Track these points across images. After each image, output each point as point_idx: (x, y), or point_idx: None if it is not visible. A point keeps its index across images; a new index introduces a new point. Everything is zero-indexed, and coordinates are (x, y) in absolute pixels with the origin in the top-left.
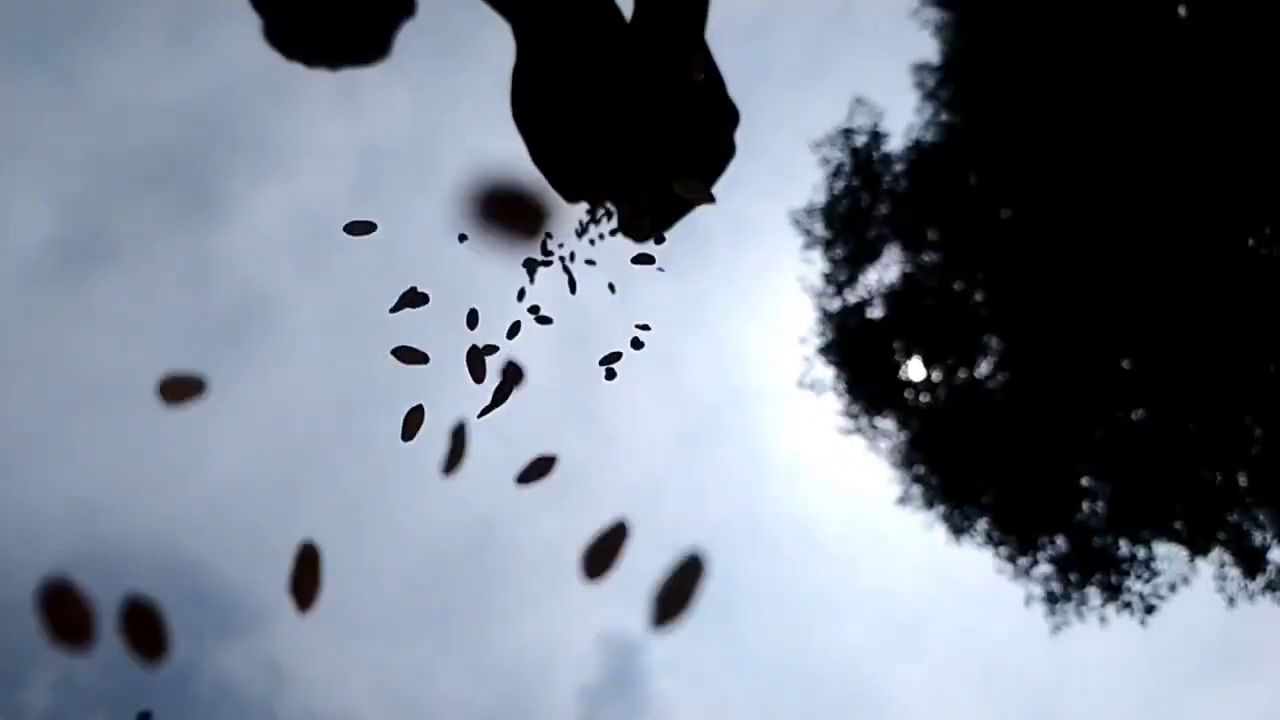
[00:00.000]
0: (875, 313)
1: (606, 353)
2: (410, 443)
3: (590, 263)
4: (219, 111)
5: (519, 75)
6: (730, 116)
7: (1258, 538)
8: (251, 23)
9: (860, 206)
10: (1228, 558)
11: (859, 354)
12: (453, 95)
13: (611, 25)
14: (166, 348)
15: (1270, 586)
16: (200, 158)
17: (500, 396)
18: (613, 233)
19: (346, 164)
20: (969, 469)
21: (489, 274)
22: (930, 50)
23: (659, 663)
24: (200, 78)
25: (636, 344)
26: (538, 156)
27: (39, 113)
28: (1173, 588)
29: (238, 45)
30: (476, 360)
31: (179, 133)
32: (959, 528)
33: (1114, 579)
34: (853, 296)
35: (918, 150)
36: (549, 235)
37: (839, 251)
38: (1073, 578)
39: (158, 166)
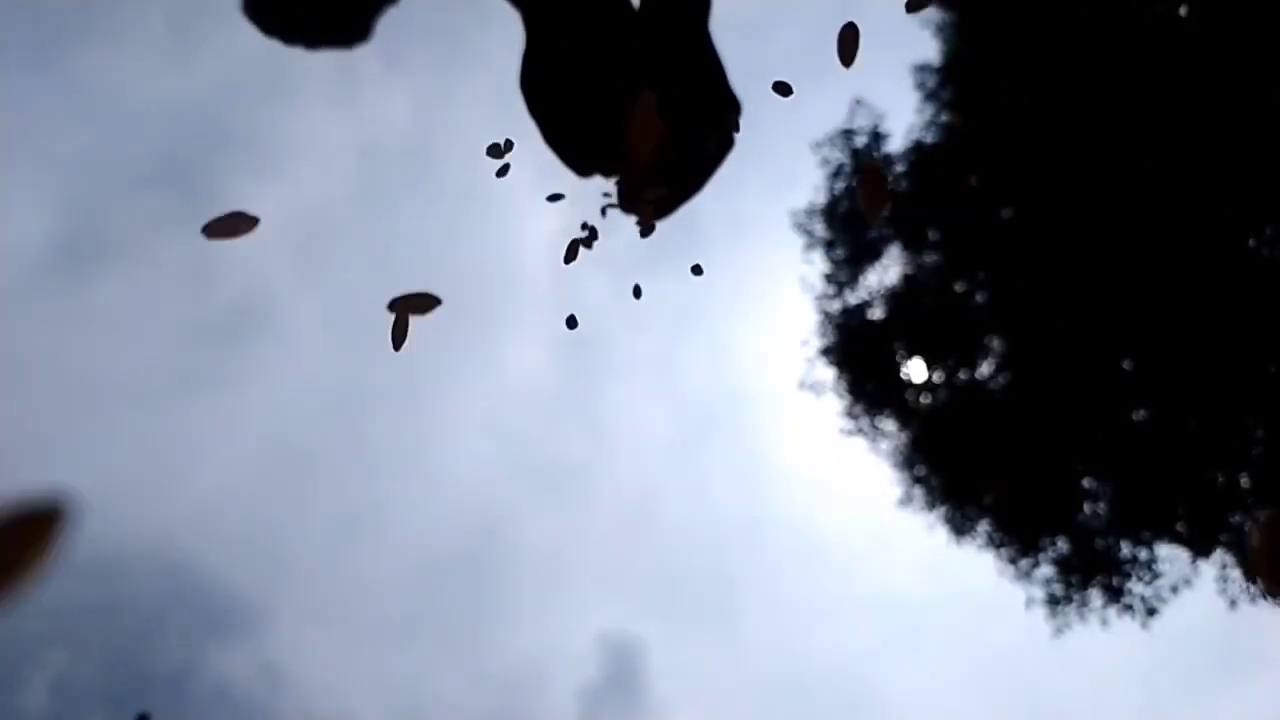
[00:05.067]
0: (876, 314)
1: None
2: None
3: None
4: (219, 111)
5: (528, 59)
6: (732, 106)
7: None
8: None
9: (861, 207)
10: (1230, 559)
11: (860, 355)
12: (453, 95)
13: (618, 13)
14: (166, 348)
15: None
16: (200, 157)
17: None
18: (612, 208)
19: (346, 164)
20: (970, 470)
21: (489, 271)
22: (931, 50)
23: (659, 663)
24: (200, 76)
25: (696, 271)
26: (548, 134)
27: (38, 112)
28: (1175, 590)
29: (237, 44)
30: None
31: (179, 132)
32: (960, 529)
33: (1116, 581)
34: (854, 297)
35: (919, 151)
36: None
37: (840, 252)
38: (1074, 580)
39: (158, 166)
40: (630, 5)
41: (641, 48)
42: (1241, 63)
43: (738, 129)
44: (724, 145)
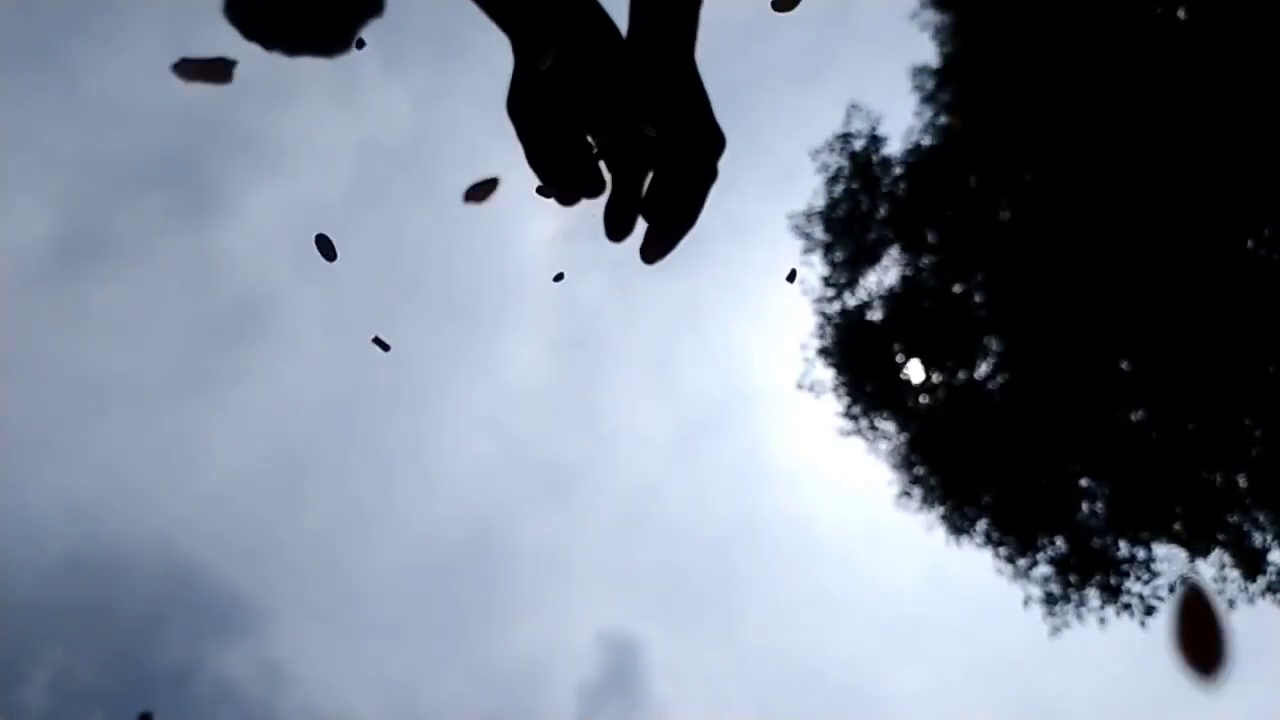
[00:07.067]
0: (875, 315)
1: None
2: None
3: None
4: (219, 111)
5: (516, 83)
6: (716, 139)
7: (1258, 539)
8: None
9: (859, 210)
10: (1228, 559)
11: (859, 356)
12: (453, 95)
13: (608, 41)
14: (166, 347)
15: (1270, 588)
16: (200, 157)
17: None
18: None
19: (346, 164)
20: (969, 470)
21: (487, 269)
22: (929, 53)
23: (658, 663)
24: None
25: (791, 277)
26: (534, 159)
27: (39, 113)
28: (1172, 589)
29: (236, 45)
30: None
31: (179, 133)
32: (959, 528)
33: (1113, 580)
34: (852, 299)
35: (917, 153)
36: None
37: (838, 255)
38: (1072, 579)
39: (158, 166)
40: (619, 33)
41: (629, 75)
42: (1241, 63)
43: (720, 150)
44: (708, 179)
